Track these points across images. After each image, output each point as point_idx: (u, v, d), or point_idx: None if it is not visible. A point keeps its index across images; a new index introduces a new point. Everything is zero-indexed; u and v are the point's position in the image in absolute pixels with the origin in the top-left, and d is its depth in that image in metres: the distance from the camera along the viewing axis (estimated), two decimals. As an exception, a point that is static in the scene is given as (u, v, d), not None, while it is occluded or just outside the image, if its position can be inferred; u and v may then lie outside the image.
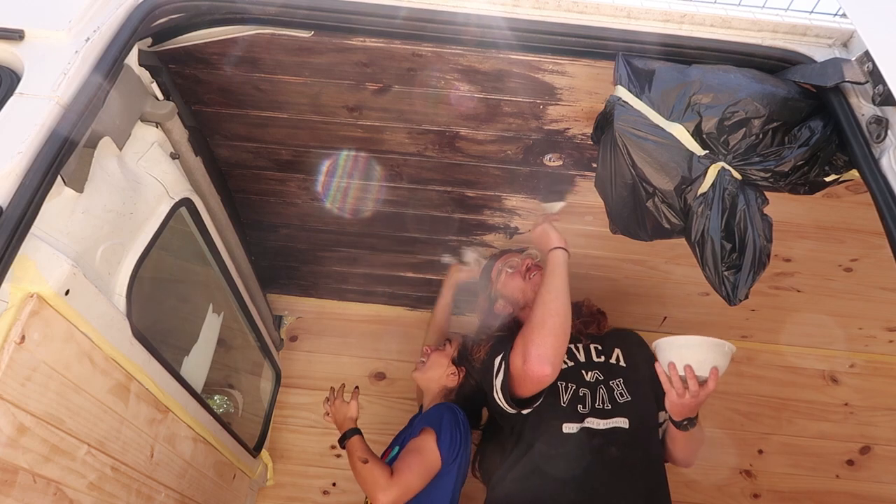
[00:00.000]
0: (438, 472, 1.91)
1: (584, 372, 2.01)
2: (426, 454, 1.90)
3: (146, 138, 1.57)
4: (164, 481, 1.80)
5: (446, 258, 2.49)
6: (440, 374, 2.21)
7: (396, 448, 2.08)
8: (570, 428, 1.86)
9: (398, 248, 2.48)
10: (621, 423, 1.87)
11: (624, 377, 2.00)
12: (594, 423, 1.87)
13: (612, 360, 2.07)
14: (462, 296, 2.74)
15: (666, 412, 1.79)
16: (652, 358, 1.76)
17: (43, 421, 1.22)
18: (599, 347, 2.11)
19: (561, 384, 1.94)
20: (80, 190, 1.26)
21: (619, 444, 1.83)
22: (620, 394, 1.94)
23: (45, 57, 1.20)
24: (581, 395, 1.93)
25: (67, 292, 1.20)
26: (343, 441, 2.03)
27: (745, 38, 1.46)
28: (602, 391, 1.94)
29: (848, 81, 1.31)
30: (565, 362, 1.95)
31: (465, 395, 2.19)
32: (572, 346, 2.06)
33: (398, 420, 2.95)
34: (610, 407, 1.90)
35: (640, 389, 1.96)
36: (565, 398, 1.92)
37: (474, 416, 2.23)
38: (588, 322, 2.16)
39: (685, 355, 1.66)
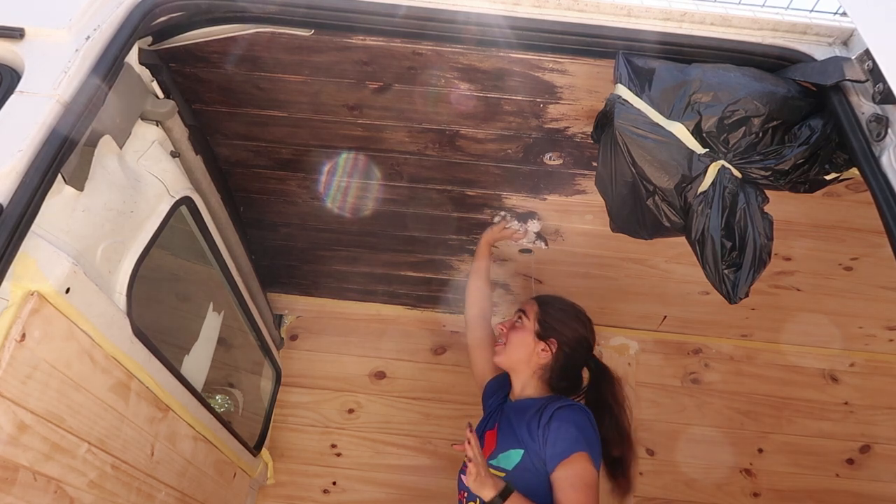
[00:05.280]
0: None
1: None
2: (591, 481, 1.71)
3: (147, 137, 1.57)
4: (164, 480, 1.81)
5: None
6: (528, 354, 1.96)
7: (518, 452, 1.81)
8: None
9: (398, 247, 2.48)
10: None
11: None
12: None
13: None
14: (461, 296, 2.74)
15: None
16: None
17: (43, 419, 1.22)
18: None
19: None
20: (80, 188, 1.26)
21: None
22: None
23: (45, 55, 1.20)
24: None
25: (68, 290, 1.20)
26: (503, 499, 1.68)
27: (745, 36, 1.46)
28: None
29: (848, 80, 1.31)
30: None
31: (562, 367, 1.96)
32: None
33: (399, 419, 2.96)
34: None
35: None
36: None
37: (577, 385, 2.02)
38: None
39: None
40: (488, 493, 1.63)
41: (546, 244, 2.33)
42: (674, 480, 2.92)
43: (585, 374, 2.07)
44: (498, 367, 2.08)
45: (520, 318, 2.02)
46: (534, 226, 2.25)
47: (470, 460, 1.64)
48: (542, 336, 1.95)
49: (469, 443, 1.64)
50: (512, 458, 1.81)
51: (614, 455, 1.90)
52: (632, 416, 2.01)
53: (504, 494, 1.64)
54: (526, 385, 1.98)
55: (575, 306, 2.05)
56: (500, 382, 2.13)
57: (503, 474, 1.78)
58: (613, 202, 1.57)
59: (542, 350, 1.94)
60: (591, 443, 1.76)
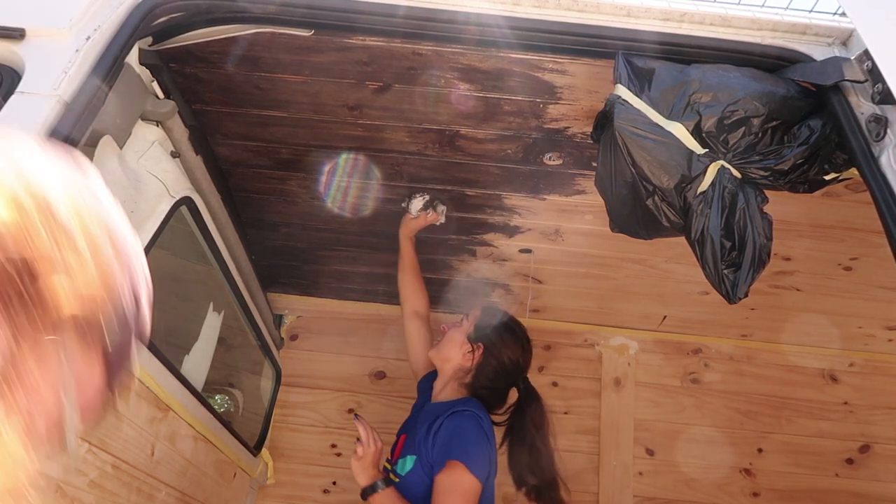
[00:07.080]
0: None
1: None
2: (465, 490, 1.69)
3: (147, 137, 1.57)
4: (164, 479, 1.81)
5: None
6: (455, 353, 1.96)
7: (412, 459, 1.85)
8: None
9: (398, 247, 2.48)
10: None
11: None
12: None
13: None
14: (460, 296, 2.74)
15: None
16: None
17: (44, 419, 1.22)
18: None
19: None
20: (80, 188, 1.26)
21: None
22: None
23: (46, 55, 1.21)
24: None
25: (68, 290, 1.20)
26: (372, 492, 1.78)
27: (744, 36, 1.46)
28: None
29: (847, 80, 1.31)
30: None
31: (485, 377, 1.95)
32: None
33: (399, 418, 2.94)
34: None
35: None
36: None
37: (500, 399, 2.00)
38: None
39: None
40: (362, 481, 1.79)
41: (443, 214, 2.19)
42: (674, 480, 2.92)
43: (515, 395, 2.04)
44: (430, 363, 2.11)
45: (462, 319, 2.06)
46: (417, 203, 2.13)
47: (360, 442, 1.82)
48: (472, 339, 1.97)
49: (360, 427, 1.85)
50: (406, 464, 1.85)
51: (530, 483, 1.88)
52: (556, 445, 1.95)
53: (374, 488, 1.76)
54: (445, 387, 2.00)
55: (518, 327, 2.04)
56: (432, 381, 2.11)
57: (398, 480, 1.83)
58: (613, 202, 1.57)
59: (468, 352, 1.96)
60: (470, 451, 1.74)
